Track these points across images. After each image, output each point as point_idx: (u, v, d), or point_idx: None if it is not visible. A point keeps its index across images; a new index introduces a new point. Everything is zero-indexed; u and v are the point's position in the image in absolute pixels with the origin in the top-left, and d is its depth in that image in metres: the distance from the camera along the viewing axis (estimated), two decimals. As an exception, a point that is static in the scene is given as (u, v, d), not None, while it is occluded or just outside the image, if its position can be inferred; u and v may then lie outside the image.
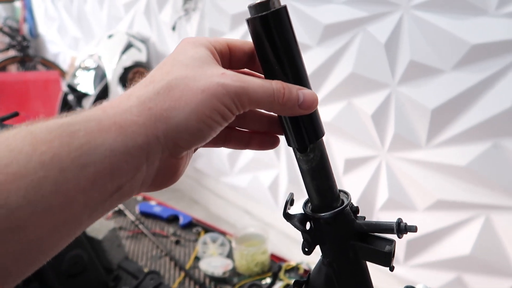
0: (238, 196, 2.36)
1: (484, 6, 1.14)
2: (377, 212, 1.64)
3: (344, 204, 0.36)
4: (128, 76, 2.48)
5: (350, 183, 1.68)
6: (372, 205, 1.65)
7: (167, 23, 2.31)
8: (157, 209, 1.21)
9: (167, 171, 0.30)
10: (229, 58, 0.34)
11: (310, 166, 0.35)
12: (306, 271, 0.95)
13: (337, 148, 1.69)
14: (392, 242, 0.36)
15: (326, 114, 1.67)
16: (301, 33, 1.63)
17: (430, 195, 1.43)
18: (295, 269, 0.95)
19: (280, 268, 0.93)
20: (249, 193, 2.24)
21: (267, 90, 0.30)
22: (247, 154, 2.15)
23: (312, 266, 0.96)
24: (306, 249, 0.37)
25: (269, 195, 2.10)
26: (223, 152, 2.28)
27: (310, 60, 1.63)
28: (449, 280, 1.46)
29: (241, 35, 1.90)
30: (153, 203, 1.26)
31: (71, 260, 0.75)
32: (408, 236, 1.55)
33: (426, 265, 1.52)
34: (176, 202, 2.57)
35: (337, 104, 1.62)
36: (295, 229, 0.37)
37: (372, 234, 0.37)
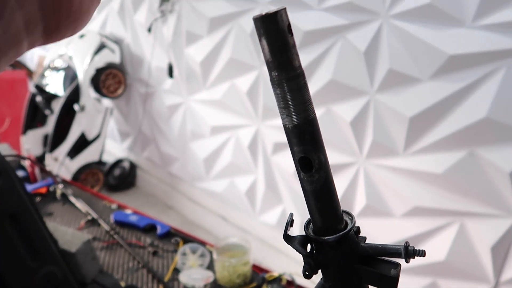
0: (214, 202, 2.33)
1: (462, 18, 1.17)
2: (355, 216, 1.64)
3: (349, 227, 0.34)
4: (100, 78, 2.41)
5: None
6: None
7: (142, 24, 2.25)
8: (133, 218, 1.16)
9: None
10: None
11: (314, 187, 0.33)
12: (289, 282, 0.93)
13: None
14: (397, 265, 0.34)
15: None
16: (281, 39, 1.62)
17: (407, 201, 1.45)
18: (277, 279, 0.94)
19: (264, 280, 0.91)
20: (226, 199, 2.21)
21: None
22: (224, 159, 2.12)
23: (295, 277, 0.94)
24: (308, 273, 0.35)
25: (246, 201, 2.07)
26: (199, 156, 2.25)
27: (290, 66, 1.62)
28: (424, 285, 1.48)
29: (219, 39, 1.87)
30: (128, 211, 1.21)
31: (44, 278, 0.70)
32: (385, 240, 1.58)
33: (402, 270, 1.54)
34: (150, 208, 2.51)
35: (316, 110, 1.62)
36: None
37: (375, 257, 0.35)
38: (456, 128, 1.26)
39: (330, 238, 0.33)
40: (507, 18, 1.09)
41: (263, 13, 0.28)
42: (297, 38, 1.57)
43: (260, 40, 0.29)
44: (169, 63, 2.12)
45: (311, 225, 0.36)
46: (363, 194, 1.56)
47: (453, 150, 1.30)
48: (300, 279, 0.94)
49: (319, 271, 0.37)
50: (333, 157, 1.63)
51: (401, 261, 0.35)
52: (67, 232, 0.91)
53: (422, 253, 0.32)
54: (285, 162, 1.82)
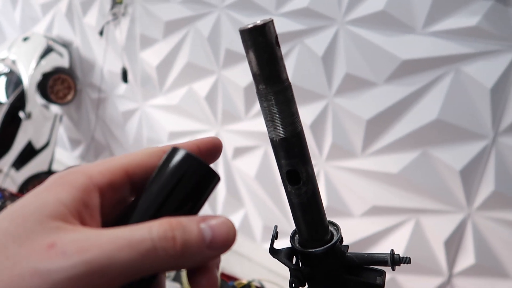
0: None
1: (413, 25, 1.23)
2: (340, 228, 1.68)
3: (335, 239, 0.34)
4: (48, 83, 2.28)
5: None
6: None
7: (93, 27, 2.16)
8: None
9: None
10: (130, 188, 0.23)
11: (302, 200, 0.33)
12: (258, 289, 0.93)
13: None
14: (382, 273, 0.35)
15: (263, 125, 1.67)
16: (239, 43, 1.62)
17: (366, 201, 1.50)
18: (246, 287, 0.93)
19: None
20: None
21: (139, 247, 0.18)
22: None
23: (264, 283, 0.94)
24: (294, 286, 0.35)
25: (207, 207, 2.05)
26: (157, 163, 2.19)
27: (246, 72, 1.63)
28: (384, 281, 1.54)
29: (175, 43, 1.84)
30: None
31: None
32: (346, 239, 1.62)
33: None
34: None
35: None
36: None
37: (361, 266, 0.36)
38: (410, 130, 1.32)
39: (317, 250, 0.33)
40: (454, 25, 1.16)
41: (250, 25, 0.28)
42: (256, 42, 1.58)
43: (247, 53, 0.29)
44: (123, 68, 2.05)
45: (296, 237, 0.36)
46: (324, 196, 1.59)
47: (408, 151, 1.36)
48: (269, 285, 0.94)
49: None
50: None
51: (386, 268, 0.35)
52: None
53: (407, 260, 0.33)
54: (246, 166, 1.82)
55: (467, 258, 1.36)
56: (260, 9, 1.53)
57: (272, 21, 0.28)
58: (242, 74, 1.66)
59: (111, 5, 1.94)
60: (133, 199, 0.24)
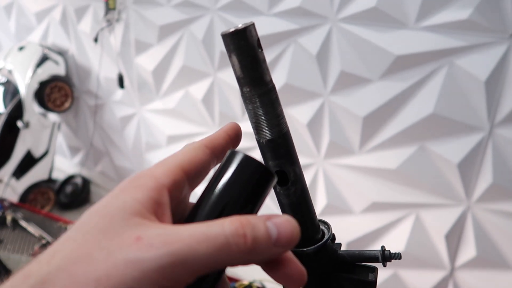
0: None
1: (405, 20, 1.23)
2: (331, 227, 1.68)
3: (326, 237, 0.34)
4: (45, 92, 2.28)
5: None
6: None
7: (87, 34, 2.17)
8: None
9: None
10: (189, 186, 0.26)
11: (291, 200, 0.33)
12: (259, 290, 0.93)
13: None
14: (374, 269, 0.35)
15: (262, 124, 1.67)
16: (233, 45, 1.62)
17: (366, 198, 1.50)
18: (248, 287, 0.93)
19: (234, 290, 0.90)
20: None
21: (215, 242, 0.20)
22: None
23: (266, 284, 0.94)
24: (287, 286, 0.35)
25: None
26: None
27: (244, 72, 1.63)
28: (386, 276, 1.54)
29: (170, 47, 1.84)
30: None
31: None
32: (348, 237, 1.62)
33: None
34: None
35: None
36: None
37: (353, 263, 0.36)
38: (407, 125, 1.32)
39: (309, 249, 0.34)
40: (446, 19, 1.16)
41: (232, 29, 0.28)
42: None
43: (230, 57, 0.29)
44: (119, 73, 2.05)
45: (288, 237, 0.36)
46: (324, 194, 1.60)
47: (405, 146, 1.36)
48: (270, 285, 0.94)
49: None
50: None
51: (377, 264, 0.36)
52: (20, 260, 0.85)
53: (398, 256, 0.33)
54: (245, 167, 1.82)
55: (468, 251, 1.36)
56: (253, 9, 1.53)
57: (253, 24, 0.28)
58: (237, 76, 1.66)
59: (105, 11, 1.95)
60: (190, 194, 0.27)
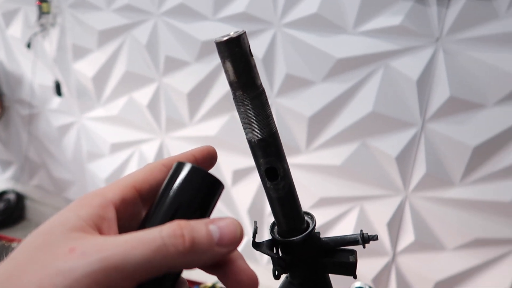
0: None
1: (344, 25, 1.32)
2: (267, 217, 1.73)
3: (311, 226, 0.38)
4: (-31, 102, 2.10)
5: (241, 193, 1.73)
6: (262, 212, 1.73)
7: (18, 40, 2.03)
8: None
9: None
10: (141, 202, 0.26)
11: (280, 194, 0.36)
12: (224, 289, 0.95)
13: (224, 161, 1.72)
14: (353, 252, 0.39)
15: (210, 128, 1.69)
16: (179, 50, 1.62)
17: (313, 194, 1.57)
18: (212, 289, 0.95)
19: (201, 292, 0.91)
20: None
21: (151, 245, 0.20)
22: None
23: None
24: (277, 274, 0.38)
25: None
26: (100, 177, 2.11)
27: (191, 76, 1.64)
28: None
29: (111, 52, 1.79)
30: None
31: None
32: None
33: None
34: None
35: (220, 118, 1.66)
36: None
37: (335, 248, 0.39)
38: (349, 123, 1.41)
39: (297, 238, 0.37)
40: (380, 25, 1.26)
41: (226, 38, 0.30)
42: (195, 48, 1.59)
43: (223, 63, 0.31)
44: (56, 80, 1.95)
45: (276, 229, 0.39)
46: (274, 193, 1.65)
47: (348, 143, 1.45)
48: (234, 284, 0.96)
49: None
50: (241, 161, 1.68)
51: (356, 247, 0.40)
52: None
53: (375, 237, 0.37)
54: (195, 171, 1.82)
55: (407, 236, 1.48)
56: (198, 15, 1.55)
57: (245, 32, 0.31)
58: (184, 80, 1.66)
59: (38, 15, 1.84)
60: (145, 213, 0.27)
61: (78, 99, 2.00)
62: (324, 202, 1.57)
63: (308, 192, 1.58)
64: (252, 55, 0.31)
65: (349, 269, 0.38)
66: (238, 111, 0.33)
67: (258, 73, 0.32)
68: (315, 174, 1.56)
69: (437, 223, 1.41)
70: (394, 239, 1.51)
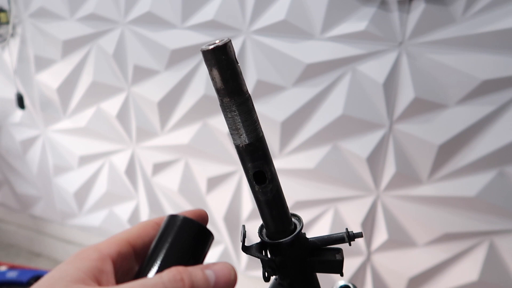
0: (92, 237, 2.14)
1: (311, 32, 1.35)
2: (244, 221, 1.73)
3: (299, 228, 0.39)
4: None
5: (216, 200, 1.73)
6: (238, 217, 1.73)
7: (-26, 52, 1.94)
8: (11, 275, 1.00)
9: None
10: (135, 257, 0.28)
11: (268, 197, 0.36)
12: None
13: (197, 169, 1.71)
14: (339, 250, 0.40)
15: (183, 136, 1.67)
16: (148, 59, 1.60)
17: (289, 198, 1.59)
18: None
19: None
20: (106, 231, 2.06)
21: None
22: (99, 189, 1.98)
23: None
24: (267, 276, 0.39)
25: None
26: (68, 191, 2.04)
27: (161, 85, 1.62)
28: (313, 270, 1.64)
29: (76, 62, 1.75)
30: (3, 268, 1.04)
31: None
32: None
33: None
34: (12, 261, 2.17)
35: (192, 125, 1.65)
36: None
37: (321, 247, 0.41)
38: (320, 127, 1.44)
39: (286, 239, 0.37)
40: (346, 30, 1.30)
41: (212, 46, 0.31)
42: (164, 57, 1.58)
43: (210, 70, 0.32)
44: (18, 93, 1.88)
45: (264, 231, 0.40)
46: (248, 199, 1.65)
47: (320, 146, 1.48)
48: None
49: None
50: (215, 169, 1.68)
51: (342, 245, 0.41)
52: None
53: (360, 235, 0.39)
54: (167, 181, 1.80)
55: (381, 235, 1.52)
56: (166, 23, 1.54)
57: (230, 40, 0.32)
58: (154, 89, 1.64)
59: (-5, 26, 1.77)
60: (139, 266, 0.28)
61: (42, 112, 1.93)
62: (299, 205, 1.59)
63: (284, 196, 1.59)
64: (237, 62, 0.32)
65: (336, 267, 0.39)
66: (226, 118, 0.34)
67: (244, 80, 0.33)
68: (290, 178, 1.58)
69: (408, 221, 1.46)
70: (368, 239, 1.55)
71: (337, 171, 1.49)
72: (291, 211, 1.34)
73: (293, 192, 1.58)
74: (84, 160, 1.94)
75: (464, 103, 1.25)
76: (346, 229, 0.39)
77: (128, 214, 1.95)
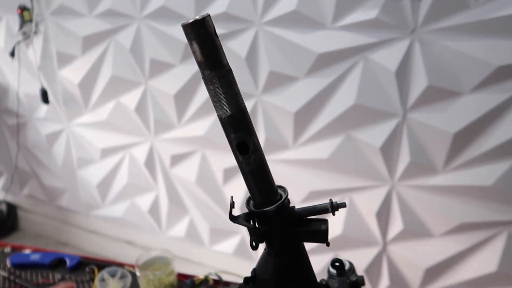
0: (115, 228, 2.21)
1: (323, 21, 1.35)
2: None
3: (284, 197, 0.40)
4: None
5: (232, 191, 1.75)
6: (254, 208, 1.75)
7: (1, 49, 2.04)
8: (35, 257, 1.06)
9: None
10: None
11: (252, 167, 0.38)
12: (215, 281, 0.97)
13: (214, 160, 1.74)
14: (325, 221, 0.42)
15: (199, 128, 1.71)
16: (164, 52, 1.64)
17: (302, 188, 1.60)
18: (204, 282, 0.96)
19: (193, 284, 0.93)
20: (128, 222, 2.12)
21: None
22: (120, 181, 2.04)
23: (221, 275, 0.98)
24: (255, 244, 0.41)
25: (151, 219, 2.03)
26: (91, 183, 2.12)
27: (177, 78, 1.66)
28: (328, 259, 1.64)
29: (96, 58, 1.80)
30: (27, 251, 1.10)
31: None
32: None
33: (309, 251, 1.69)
34: (40, 249, 2.26)
35: (208, 118, 1.68)
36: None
37: (307, 218, 0.42)
38: (333, 117, 1.44)
39: (271, 208, 0.39)
40: (357, 19, 1.30)
41: (191, 20, 0.33)
42: (179, 50, 1.61)
43: (190, 44, 0.34)
44: (42, 88, 1.96)
45: (251, 202, 0.41)
46: (264, 189, 1.67)
47: (334, 136, 1.48)
48: (226, 276, 0.98)
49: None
50: (230, 160, 1.70)
51: (327, 216, 0.42)
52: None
53: (344, 205, 0.40)
54: (185, 172, 1.84)
55: (396, 225, 1.51)
56: (180, 17, 1.57)
57: (209, 15, 0.34)
58: (170, 82, 1.68)
59: (20, 24, 1.85)
60: None
61: (65, 106, 2.01)
62: (314, 195, 1.59)
63: (298, 186, 1.60)
64: (217, 37, 0.34)
65: (321, 237, 0.41)
66: (208, 90, 0.35)
67: (224, 53, 0.35)
68: (304, 169, 1.58)
69: (424, 211, 1.45)
70: (384, 229, 1.54)
71: (351, 161, 1.49)
72: (306, 201, 1.37)
73: (307, 183, 1.58)
74: (106, 152, 2.01)
75: (479, 90, 1.22)
76: (330, 199, 0.41)
77: (148, 205, 2.01)
